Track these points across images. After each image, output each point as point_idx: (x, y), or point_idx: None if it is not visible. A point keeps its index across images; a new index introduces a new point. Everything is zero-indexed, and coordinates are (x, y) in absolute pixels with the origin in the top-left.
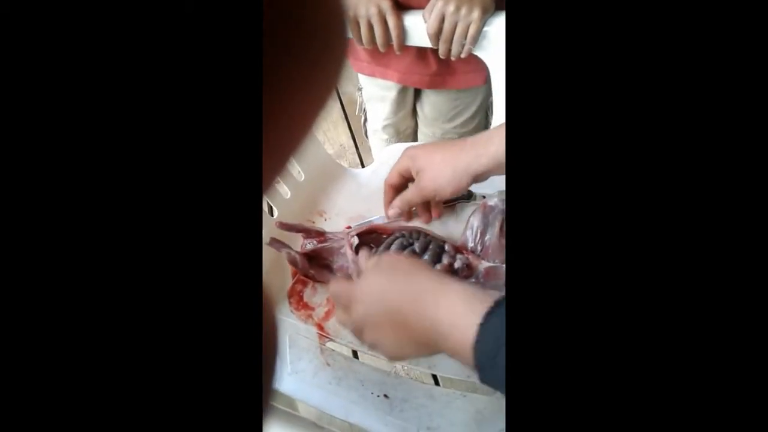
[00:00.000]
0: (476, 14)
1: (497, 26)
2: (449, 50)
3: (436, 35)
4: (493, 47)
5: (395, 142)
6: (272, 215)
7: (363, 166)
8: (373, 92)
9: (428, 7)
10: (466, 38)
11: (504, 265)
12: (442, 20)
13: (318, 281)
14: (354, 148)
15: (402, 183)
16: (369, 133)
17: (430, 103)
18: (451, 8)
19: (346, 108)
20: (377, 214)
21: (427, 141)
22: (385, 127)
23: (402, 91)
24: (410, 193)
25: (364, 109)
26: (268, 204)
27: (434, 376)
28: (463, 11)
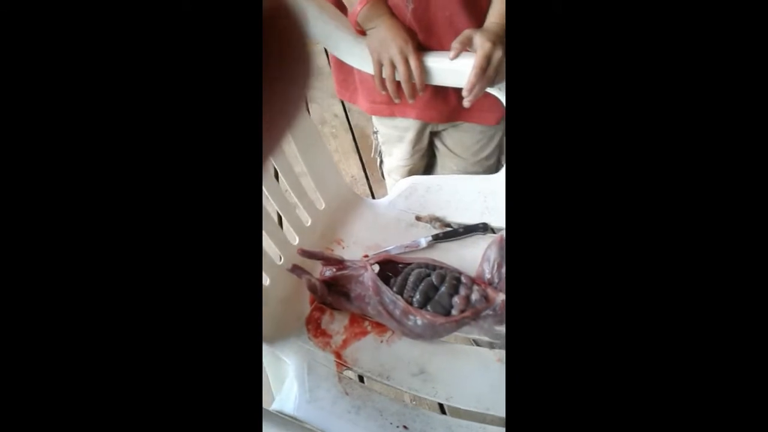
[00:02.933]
0: None
1: None
2: (475, 86)
3: (482, 71)
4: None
5: None
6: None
7: (373, 197)
8: (390, 134)
9: (458, 45)
10: (494, 82)
11: None
12: (488, 60)
13: (335, 308)
14: (365, 179)
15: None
16: (385, 175)
17: (454, 139)
18: (498, 53)
19: (357, 141)
20: (393, 243)
21: (451, 174)
22: (399, 168)
23: (420, 131)
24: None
25: (380, 152)
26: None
27: (441, 405)
28: (506, 60)
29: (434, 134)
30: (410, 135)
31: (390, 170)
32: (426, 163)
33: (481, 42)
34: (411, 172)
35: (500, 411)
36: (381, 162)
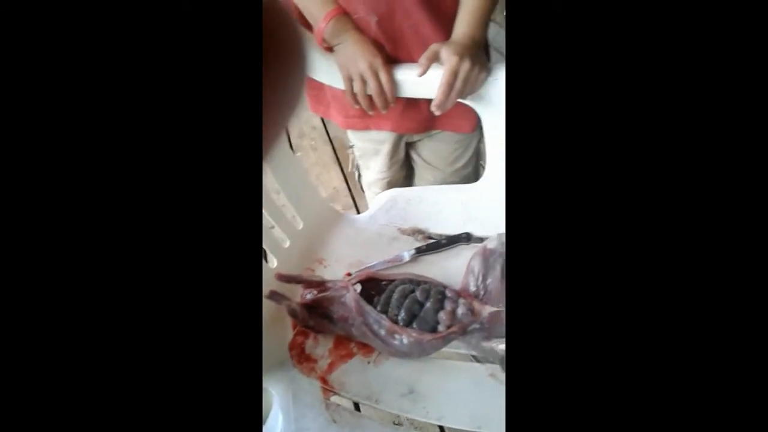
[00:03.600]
0: (483, 75)
1: (492, 83)
2: (445, 102)
3: (450, 87)
4: (486, 102)
5: None
6: (266, 261)
7: (357, 208)
8: (366, 147)
9: (425, 61)
10: (464, 94)
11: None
12: (455, 75)
13: (319, 332)
14: (347, 191)
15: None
16: (365, 189)
17: (430, 149)
18: (466, 66)
19: (338, 151)
20: (376, 259)
21: (428, 185)
22: (378, 181)
23: (395, 143)
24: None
25: (357, 165)
26: (264, 252)
27: (441, 428)
28: (475, 71)
29: (410, 145)
30: (386, 147)
31: (369, 184)
32: (405, 174)
33: (447, 56)
34: (390, 184)
35: (494, 428)
36: (359, 176)
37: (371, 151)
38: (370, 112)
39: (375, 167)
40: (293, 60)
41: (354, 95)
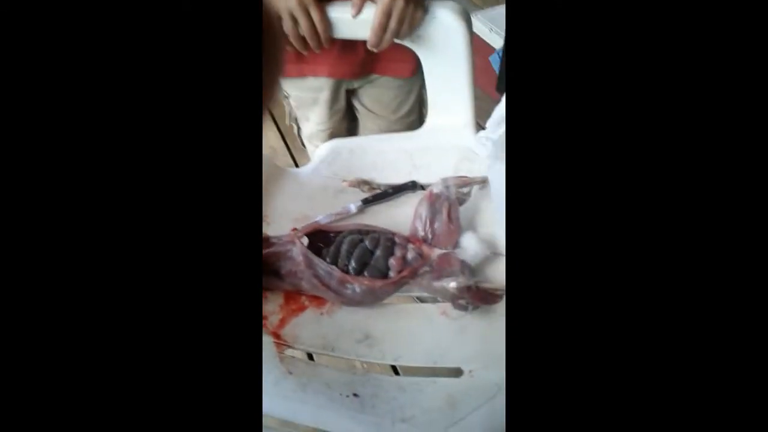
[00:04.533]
0: (419, 14)
1: (431, 23)
2: (380, 43)
3: (382, 28)
4: (426, 42)
5: None
6: None
7: (297, 166)
8: (304, 97)
9: (357, 0)
10: (399, 34)
11: (456, 251)
12: (389, 14)
13: (267, 289)
14: (286, 149)
15: None
16: (305, 142)
17: (371, 96)
18: (400, 4)
19: (272, 110)
20: (322, 212)
21: (373, 135)
22: (319, 133)
23: (334, 90)
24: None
25: (295, 118)
26: None
27: (393, 367)
28: (410, 9)
29: (351, 93)
30: (325, 95)
31: (309, 136)
32: (347, 125)
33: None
34: (332, 136)
35: (449, 362)
36: (298, 129)
37: (309, 100)
38: (304, 52)
39: (314, 118)
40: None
41: (285, 37)
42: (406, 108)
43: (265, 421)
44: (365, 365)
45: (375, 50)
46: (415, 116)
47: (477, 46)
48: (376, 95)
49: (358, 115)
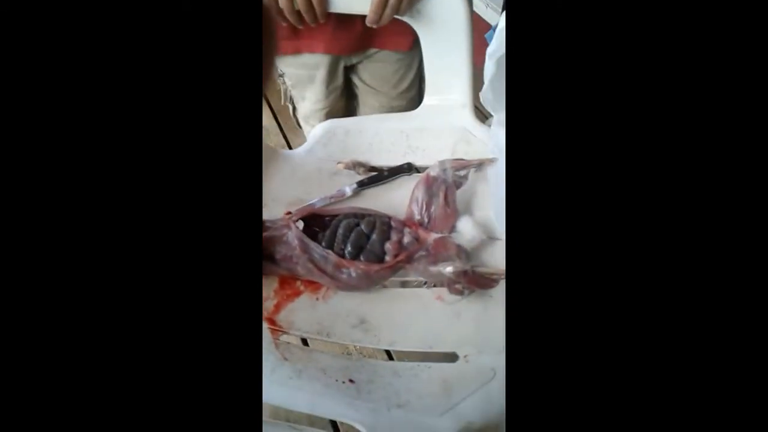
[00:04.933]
0: None
1: None
2: (380, 19)
3: (382, 4)
4: (424, 18)
5: None
6: None
7: (290, 147)
8: (299, 74)
9: None
10: (400, 10)
11: (452, 235)
12: None
13: (262, 274)
14: (278, 129)
15: None
16: (301, 123)
17: (371, 72)
18: None
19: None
20: (316, 196)
21: (374, 112)
22: (315, 113)
23: (332, 67)
24: None
25: (291, 97)
26: None
27: (388, 352)
28: None
29: (349, 69)
30: (322, 73)
31: (306, 116)
32: (344, 104)
33: None
34: (330, 115)
35: (443, 347)
36: (294, 109)
37: (305, 78)
38: (299, 26)
39: (311, 96)
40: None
41: (280, 11)
42: (406, 82)
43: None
44: (360, 349)
45: (374, 26)
46: (415, 91)
47: (474, 22)
48: (376, 70)
49: (358, 92)
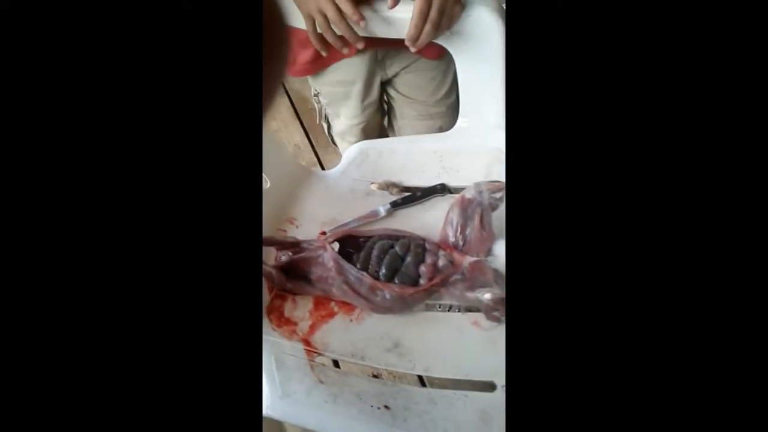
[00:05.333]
0: (458, 8)
1: (466, 20)
2: (419, 35)
3: (423, 16)
4: (459, 39)
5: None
6: None
7: (321, 165)
8: (335, 92)
9: None
10: (439, 27)
11: (488, 259)
12: (429, 3)
13: (297, 294)
14: (310, 147)
15: None
16: (337, 140)
17: (407, 83)
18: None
19: (296, 105)
20: (350, 216)
21: (412, 122)
22: (352, 128)
23: (368, 81)
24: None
25: (326, 115)
26: None
27: (420, 378)
28: (450, 2)
29: (386, 84)
30: (357, 88)
31: (341, 133)
32: (380, 119)
33: None
34: (366, 131)
35: (480, 375)
36: (329, 127)
37: (340, 95)
38: (344, 50)
39: (346, 113)
40: (278, 48)
41: (319, 36)
42: (444, 89)
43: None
44: (391, 373)
45: (413, 47)
46: (453, 98)
47: None
48: (413, 81)
49: (394, 104)
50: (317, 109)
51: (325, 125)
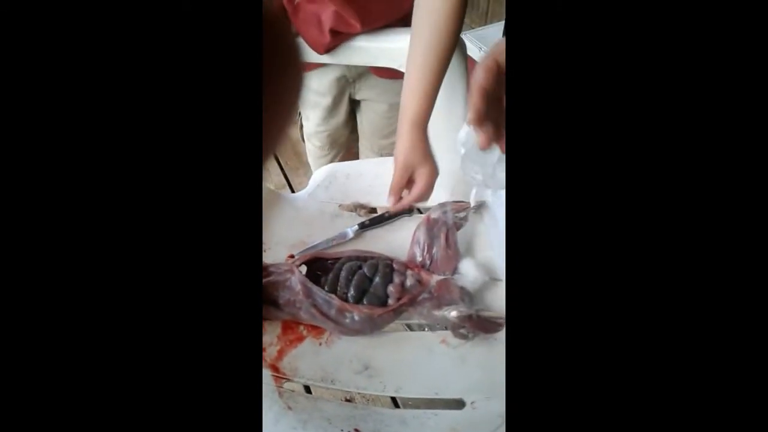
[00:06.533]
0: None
1: None
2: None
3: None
4: None
5: (327, 152)
6: None
7: (291, 187)
8: (308, 99)
9: (392, 198)
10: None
11: (455, 277)
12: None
13: (265, 319)
14: (279, 169)
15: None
16: (305, 137)
17: (368, 120)
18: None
19: None
20: (319, 238)
21: (367, 155)
22: (317, 134)
23: (336, 100)
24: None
25: (299, 113)
26: None
27: (393, 399)
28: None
29: (355, 104)
30: (326, 101)
31: (308, 135)
32: (350, 134)
33: (424, 176)
34: (331, 138)
35: (449, 393)
36: (301, 126)
37: (311, 102)
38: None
39: (314, 119)
40: (292, 76)
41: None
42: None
43: None
44: (363, 395)
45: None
46: None
47: (468, 67)
48: (371, 119)
49: (359, 133)
50: None
51: (299, 120)
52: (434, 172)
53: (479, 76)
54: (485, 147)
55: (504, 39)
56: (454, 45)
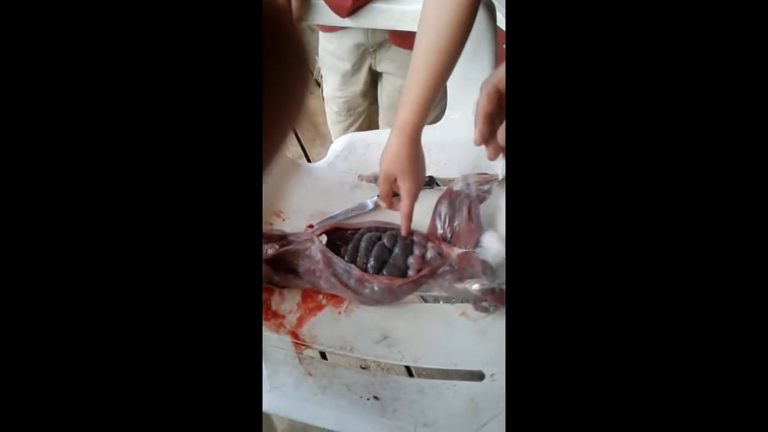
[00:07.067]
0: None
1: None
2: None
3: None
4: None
5: (344, 119)
6: None
7: (308, 158)
8: (327, 61)
9: (384, 201)
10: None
11: (476, 250)
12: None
13: (284, 287)
14: (296, 139)
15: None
16: (325, 99)
17: (387, 93)
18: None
19: None
20: (337, 208)
21: (387, 128)
22: (335, 99)
23: (355, 67)
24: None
25: (321, 74)
26: None
27: (407, 368)
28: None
29: (378, 81)
30: (345, 67)
31: (327, 98)
32: (369, 104)
33: (404, 189)
34: (348, 104)
35: (468, 365)
36: (321, 88)
37: (329, 65)
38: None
39: (332, 83)
40: (299, 70)
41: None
42: None
43: (288, 424)
44: (379, 364)
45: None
46: (435, 114)
47: (497, 36)
48: (390, 92)
49: (379, 105)
50: (317, 67)
51: (320, 78)
52: (415, 186)
53: (483, 103)
54: (493, 159)
55: (504, 65)
56: (453, 62)
